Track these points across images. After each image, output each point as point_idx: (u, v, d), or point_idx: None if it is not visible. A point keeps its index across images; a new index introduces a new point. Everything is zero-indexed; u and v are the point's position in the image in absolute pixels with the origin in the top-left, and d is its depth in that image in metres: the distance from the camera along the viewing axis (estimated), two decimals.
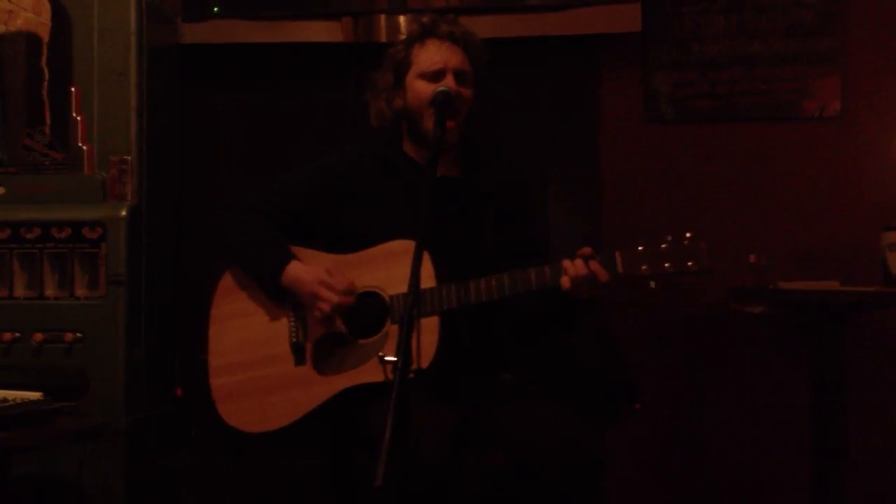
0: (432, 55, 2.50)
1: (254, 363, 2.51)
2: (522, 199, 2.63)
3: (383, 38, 3.64)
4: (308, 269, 2.45)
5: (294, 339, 2.48)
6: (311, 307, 2.44)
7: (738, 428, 3.62)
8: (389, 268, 2.40)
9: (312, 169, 2.62)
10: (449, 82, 2.46)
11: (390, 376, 1.81)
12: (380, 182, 2.55)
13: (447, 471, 2.13)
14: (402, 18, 3.66)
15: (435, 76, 2.48)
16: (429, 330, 2.26)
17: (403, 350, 1.82)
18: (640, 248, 2.21)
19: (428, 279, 2.30)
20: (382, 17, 3.68)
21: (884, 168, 3.56)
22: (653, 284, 2.20)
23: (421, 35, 2.54)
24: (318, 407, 2.39)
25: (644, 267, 2.20)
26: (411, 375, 1.83)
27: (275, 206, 2.57)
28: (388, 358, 1.86)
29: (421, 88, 2.49)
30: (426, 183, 2.21)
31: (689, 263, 2.17)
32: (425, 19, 2.58)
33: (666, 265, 2.18)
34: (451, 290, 2.31)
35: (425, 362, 2.16)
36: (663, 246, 2.19)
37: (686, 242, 2.19)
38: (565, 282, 2.23)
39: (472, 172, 2.58)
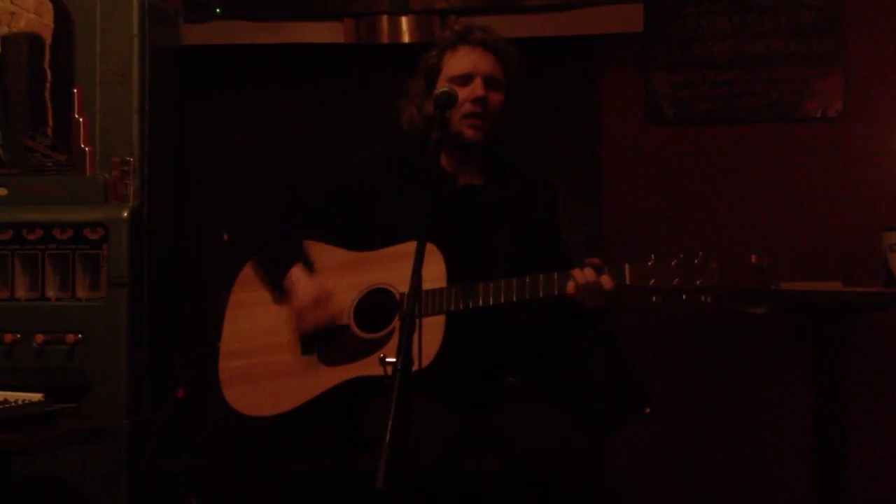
0: (462, 60, 2.51)
1: (262, 350, 2.53)
2: (547, 210, 2.63)
3: (385, 39, 3.64)
4: (308, 283, 2.46)
5: None
6: (297, 320, 2.47)
7: (739, 429, 3.61)
8: (404, 266, 2.37)
9: (341, 165, 2.65)
10: (477, 87, 2.46)
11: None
12: (404, 186, 2.55)
13: (446, 473, 2.13)
14: (403, 19, 3.66)
15: (463, 80, 2.48)
16: (433, 329, 2.26)
17: (403, 350, 1.82)
18: (649, 262, 2.22)
19: (439, 280, 2.31)
20: (384, 18, 3.68)
21: (886, 168, 3.55)
22: (655, 299, 2.22)
23: (454, 42, 2.55)
24: (319, 396, 2.40)
25: (652, 281, 2.20)
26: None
27: (298, 196, 2.59)
28: (388, 359, 1.86)
29: None
30: (427, 183, 2.22)
31: (698, 282, 2.18)
32: (458, 27, 2.58)
33: (674, 281, 2.19)
34: (458, 291, 2.31)
35: (426, 361, 2.16)
36: (673, 262, 2.20)
37: (696, 261, 2.19)
38: (571, 288, 2.24)
39: (495, 182, 2.58)
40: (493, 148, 2.57)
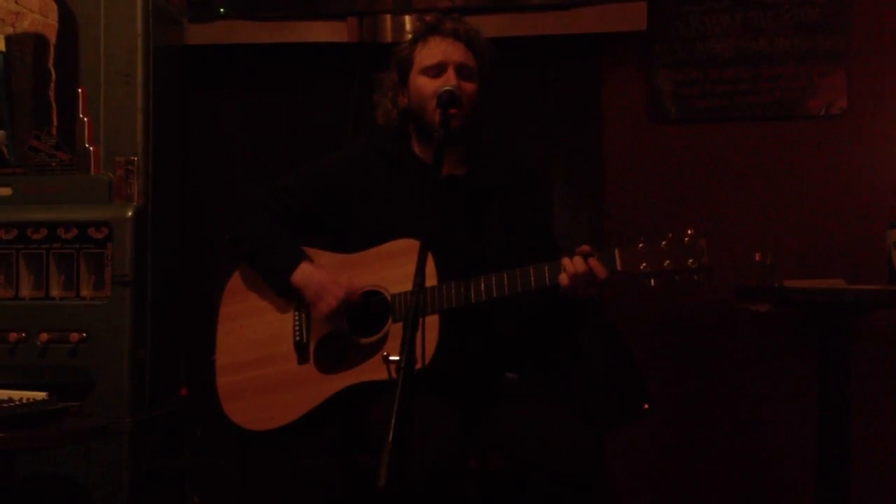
0: (432, 50, 2.50)
1: (258, 362, 2.52)
2: (530, 196, 2.61)
3: (388, 39, 3.64)
4: (318, 269, 2.47)
5: (297, 338, 2.49)
6: (316, 304, 2.45)
7: (742, 426, 3.61)
8: (392, 267, 2.40)
9: (321, 166, 2.63)
10: (450, 77, 2.45)
11: (394, 375, 1.81)
12: (387, 180, 2.55)
13: (449, 471, 2.13)
14: (407, 18, 3.67)
15: (435, 71, 2.48)
16: (428, 328, 2.25)
17: (407, 349, 1.82)
18: (639, 245, 2.18)
19: (429, 277, 2.29)
20: (388, 17, 3.68)
21: (889, 166, 3.54)
22: (652, 282, 2.17)
23: (424, 33, 2.55)
24: (318, 405, 2.40)
25: (643, 265, 2.16)
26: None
27: (284, 203, 2.58)
28: (391, 357, 1.86)
29: (422, 84, 2.49)
30: (429, 183, 2.20)
31: (689, 261, 2.14)
32: (429, 18, 2.58)
33: (665, 263, 2.15)
34: (451, 289, 2.30)
35: (425, 360, 2.16)
36: (663, 243, 2.16)
37: (686, 240, 2.15)
38: (564, 279, 2.21)
39: (478, 170, 2.57)
40: (473, 137, 2.56)
